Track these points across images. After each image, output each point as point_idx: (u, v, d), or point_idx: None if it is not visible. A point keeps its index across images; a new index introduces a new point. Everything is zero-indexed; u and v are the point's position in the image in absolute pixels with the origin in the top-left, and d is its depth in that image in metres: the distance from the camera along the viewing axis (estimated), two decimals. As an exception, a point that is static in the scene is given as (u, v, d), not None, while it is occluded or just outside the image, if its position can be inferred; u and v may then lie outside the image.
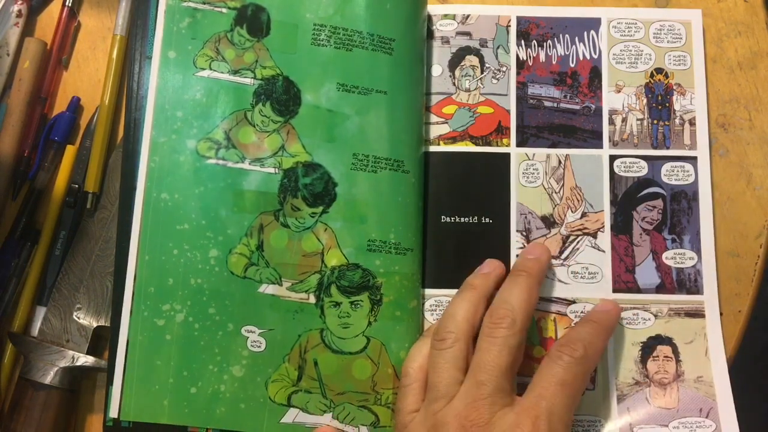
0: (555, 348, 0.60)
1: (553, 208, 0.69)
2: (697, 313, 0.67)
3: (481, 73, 0.72)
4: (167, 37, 0.68)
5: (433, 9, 0.73)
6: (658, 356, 0.66)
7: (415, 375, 0.62)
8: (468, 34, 0.72)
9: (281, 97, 0.67)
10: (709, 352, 0.66)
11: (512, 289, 0.62)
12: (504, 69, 0.72)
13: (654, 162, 0.69)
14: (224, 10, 0.69)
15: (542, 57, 0.72)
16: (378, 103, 0.67)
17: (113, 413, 0.64)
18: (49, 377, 0.66)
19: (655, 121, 0.70)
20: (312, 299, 0.65)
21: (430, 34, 0.73)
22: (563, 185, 0.69)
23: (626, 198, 0.69)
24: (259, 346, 0.65)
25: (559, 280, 0.68)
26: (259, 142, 0.67)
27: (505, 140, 0.70)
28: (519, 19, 0.73)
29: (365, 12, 0.69)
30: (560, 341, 0.60)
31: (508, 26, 0.72)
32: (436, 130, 0.71)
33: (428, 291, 0.68)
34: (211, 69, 0.68)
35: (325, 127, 0.67)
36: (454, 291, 0.67)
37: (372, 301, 0.65)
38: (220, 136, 0.67)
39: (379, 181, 0.67)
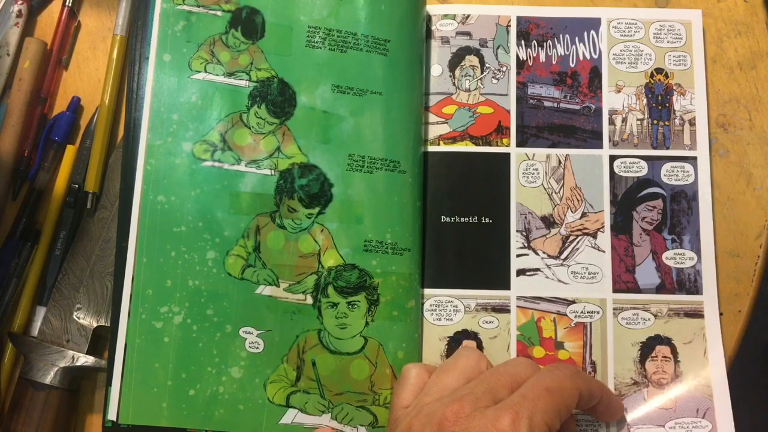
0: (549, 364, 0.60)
1: (553, 208, 0.69)
2: (696, 314, 0.67)
3: (481, 73, 0.72)
4: (162, 40, 0.68)
5: (432, 9, 0.73)
6: (656, 356, 0.66)
7: (413, 378, 0.62)
8: (468, 34, 0.72)
9: (276, 98, 0.67)
10: (707, 353, 0.66)
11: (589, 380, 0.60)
12: (504, 69, 0.72)
13: (654, 162, 0.69)
14: (219, 13, 0.69)
15: (542, 57, 0.72)
16: (373, 104, 0.68)
17: (112, 416, 0.64)
18: (49, 377, 0.66)
19: (655, 121, 0.70)
20: (309, 300, 0.66)
21: (430, 34, 0.72)
22: (563, 185, 0.69)
23: (626, 198, 0.69)
24: (258, 347, 0.65)
25: (559, 280, 0.68)
26: (255, 144, 0.67)
27: (505, 140, 0.70)
28: (519, 19, 0.72)
29: (359, 14, 0.69)
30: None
31: (508, 26, 0.72)
32: (436, 130, 0.71)
33: (428, 291, 0.68)
34: (206, 71, 0.68)
35: (321, 128, 0.67)
36: (454, 291, 0.67)
37: (369, 302, 0.65)
38: (216, 139, 0.67)
39: (375, 181, 0.67)
